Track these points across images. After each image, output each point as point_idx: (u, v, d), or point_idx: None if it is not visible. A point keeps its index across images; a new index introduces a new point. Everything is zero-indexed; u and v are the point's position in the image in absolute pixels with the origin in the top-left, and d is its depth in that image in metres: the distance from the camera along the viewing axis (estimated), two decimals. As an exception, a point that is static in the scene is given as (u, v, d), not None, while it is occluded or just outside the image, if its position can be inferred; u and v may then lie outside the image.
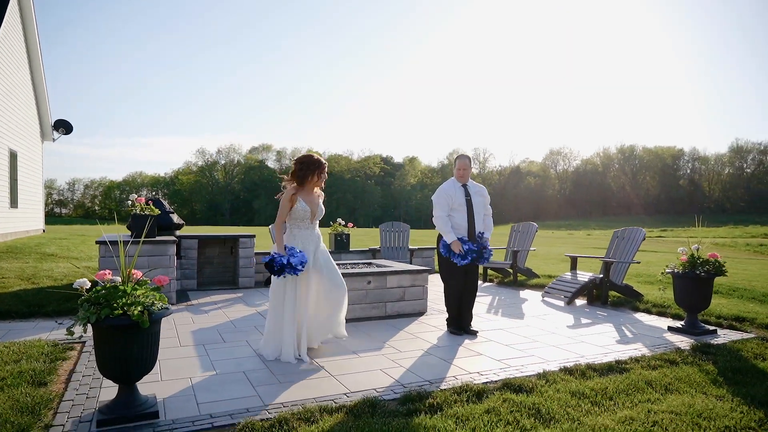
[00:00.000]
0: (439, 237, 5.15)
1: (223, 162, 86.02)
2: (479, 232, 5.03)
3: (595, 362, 4.09)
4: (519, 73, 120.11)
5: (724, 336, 5.08)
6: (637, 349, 4.55)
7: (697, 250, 5.18)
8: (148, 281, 3.12)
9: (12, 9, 13.27)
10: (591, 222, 68.34)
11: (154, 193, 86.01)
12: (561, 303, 6.91)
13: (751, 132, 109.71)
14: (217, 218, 75.42)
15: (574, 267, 7.73)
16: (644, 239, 6.97)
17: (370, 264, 6.94)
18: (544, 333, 5.22)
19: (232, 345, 4.70)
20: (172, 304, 6.69)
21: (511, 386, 3.51)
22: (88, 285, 3.05)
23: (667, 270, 5.31)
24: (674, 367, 3.97)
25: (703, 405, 3.18)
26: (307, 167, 4.39)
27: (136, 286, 3.05)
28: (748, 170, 78.57)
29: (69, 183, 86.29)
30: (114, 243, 6.61)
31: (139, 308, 2.91)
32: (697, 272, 5.00)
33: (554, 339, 4.95)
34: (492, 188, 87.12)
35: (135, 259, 3.34)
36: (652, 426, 2.88)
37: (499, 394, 3.35)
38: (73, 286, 3.05)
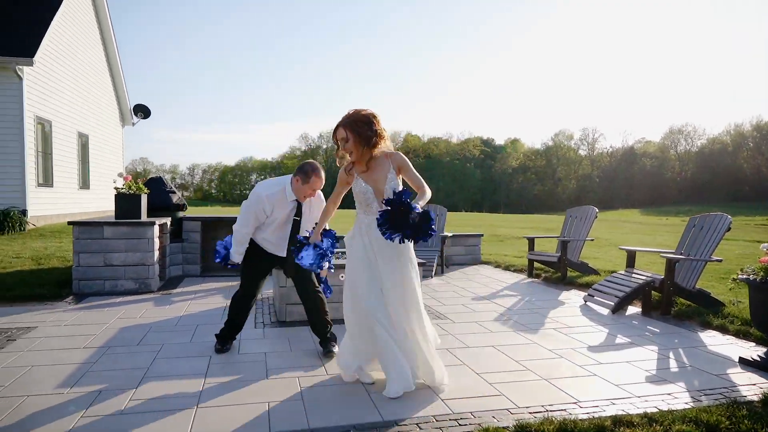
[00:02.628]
0: None
1: (325, 146, 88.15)
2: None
3: (581, 416, 2.68)
4: (634, 44, 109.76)
5: (830, 379, 3.35)
6: (672, 396, 3.03)
7: (789, 247, 3.46)
8: None
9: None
10: (716, 208, 60.41)
11: (262, 177, 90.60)
12: (605, 310, 5.32)
13: None
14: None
15: (631, 264, 6.01)
16: (729, 229, 5.13)
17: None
18: (549, 356, 3.80)
19: (138, 351, 3.87)
20: (150, 292, 6.08)
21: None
22: None
23: (740, 276, 3.64)
24: (708, 438, 2.46)
25: None
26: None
27: None
28: None
29: (189, 168, 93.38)
30: (88, 224, 6.13)
31: None
32: (784, 281, 3.30)
33: (554, 370, 3.52)
34: (601, 171, 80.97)
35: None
36: None
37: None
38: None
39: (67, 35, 13.28)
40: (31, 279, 6.33)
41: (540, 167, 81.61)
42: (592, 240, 7.99)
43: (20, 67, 10.71)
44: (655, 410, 2.78)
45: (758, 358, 3.59)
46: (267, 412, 2.79)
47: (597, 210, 7.32)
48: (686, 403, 2.91)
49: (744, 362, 3.64)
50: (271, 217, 3.75)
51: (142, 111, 18.98)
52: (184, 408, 2.82)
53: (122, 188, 6.46)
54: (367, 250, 3.16)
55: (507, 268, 8.36)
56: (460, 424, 2.62)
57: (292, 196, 3.74)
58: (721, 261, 5.33)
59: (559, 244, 7.27)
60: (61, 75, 13.05)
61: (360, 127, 3.07)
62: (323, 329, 3.81)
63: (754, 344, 4.12)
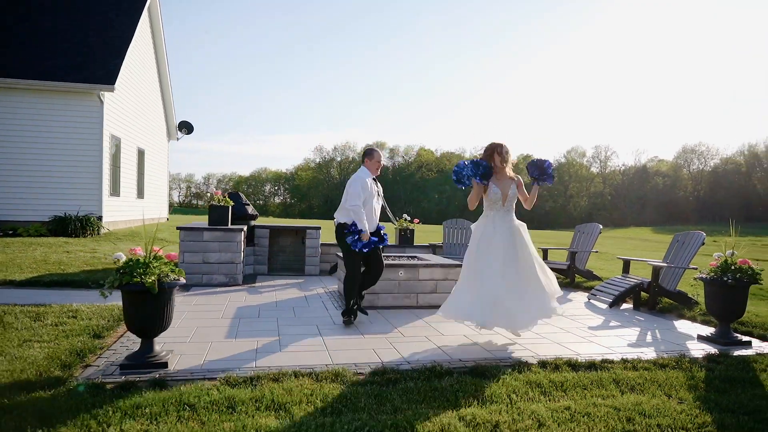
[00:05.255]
0: (339, 227, 5.30)
1: (339, 159, 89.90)
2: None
3: (581, 360, 4.13)
4: (648, 63, 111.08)
5: (758, 349, 4.76)
6: (641, 353, 4.46)
7: (732, 255, 4.89)
8: (163, 257, 3.82)
9: (143, 18, 15.33)
10: (727, 228, 61.42)
11: (276, 188, 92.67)
12: (604, 306, 6.75)
13: None
14: (331, 213, 79.09)
15: (626, 270, 7.44)
16: (703, 244, 6.55)
17: (414, 257, 7.31)
18: (559, 332, 5.25)
19: (263, 320, 5.37)
20: (237, 285, 7.59)
21: (477, 371, 3.74)
22: (124, 258, 3.82)
23: (698, 276, 5.07)
24: (660, 371, 3.90)
25: (654, 404, 3.19)
26: (487, 151, 4.90)
27: (153, 260, 3.76)
28: None
29: (205, 177, 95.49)
30: (192, 229, 7.67)
31: (152, 278, 3.62)
32: (725, 279, 4.73)
33: (564, 338, 4.99)
34: (613, 189, 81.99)
35: (153, 238, 4.05)
36: (582, 416, 2.99)
37: (458, 376, 3.61)
38: (112, 258, 3.85)
39: (134, 58, 15.02)
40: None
41: (551, 185, 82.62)
42: (597, 252, 9.38)
43: (102, 93, 12.43)
44: (629, 358, 4.22)
45: (710, 335, 5.01)
46: (373, 350, 4.26)
47: (601, 226, 8.75)
48: (652, 356, 4.34)
49: (700, 338, 5.06)
50: (369, 195, 5.28)
51: (186, 127, 20.76)
52: (318, 350, 4.30)
53: (213, 201, 8.03)
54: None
55: (524, 275, 9.79)
56: (504, 363, 4.07)
57: (369, 175, 5.36)
58: (696, 269, 6.72)
59: (569, 254, 8.71)
60: (128, 95, 14.77)
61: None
62: (359, 299, 5.41)
63: (712, 327, 5.53)
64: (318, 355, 4.16)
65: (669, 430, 2.86)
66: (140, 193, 16.24)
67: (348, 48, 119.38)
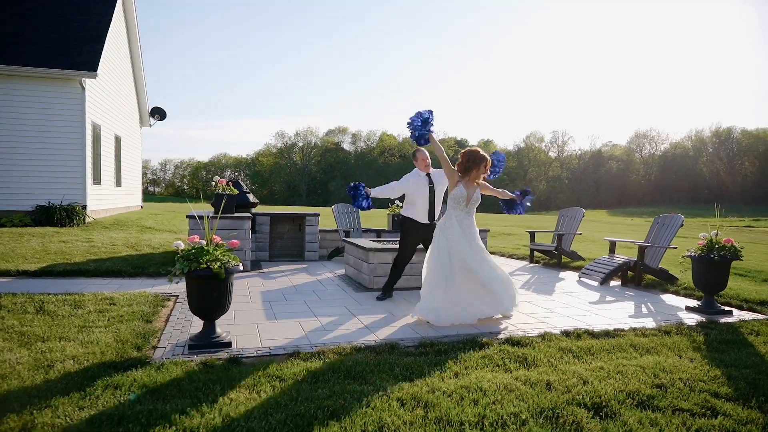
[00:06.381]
0: (402, 219, 5.98)
1: (300, 144, 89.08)
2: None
3: (596, 329, 4.68)
4: (602, 51, 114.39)
5: (738, 316, 5.44)
6: (643, 323, 5.05)
7: (716, 235, 5.53)
8: (225, 244, 4.11)
9: (118, 1, 14.99)
10: (677, 209, 64.39)
11: (236, 174, 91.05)
12: (595, 283, 7.38)
13: None
14: (294, 198, 78.76)
15: (612, 250, 8.11)
16: (682, 225, 7.24)
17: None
18: (564, 306, 5.80)
19: (291, 303, 5.69)
20: (246, 271, 7.84)
21: (512, 341, 4.22)
22: (182, 246, 4.08)
23: (687, 254, 5.69)
24: (665, 336, 4.49)
25: (671, 363, 3.74)
26: (471, 162, 5.07)
27: (215, 247, 4.04)
28: None
29: (161, 163, 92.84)
30: (201, 217, 7.84)
31: (218, 264, 3.90)
32: (712, 256, 5.37)
33: (572, 311, 5.54)
34: (570, 173, 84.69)
35: (215, 228, 4.33)
36: (616, 373, 3.50)
37: (498, 346, 4.07)
38: (172, 245, 4.11)
39: (111, 43, 14.71)
40: (141, 261, 7.99)
41: (512, 168, 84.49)
42: (581, 234, 10.04)
43: (84, 79, 12.22)
44: (636, 327, 4.79)
45: (697, 305, 5.67)
46: (409, 327, 4.68)
47: (584, 210, 9.41)
48: (653, 325, 4.93)
49: (689, 309, 5.71)
50: (414, 191, 5.77)
51: (159, 113, 20.42)
52: (359, 328, 4.68)
53: (218, 189, 8.21)
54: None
55: (511, 257, 10.42)
56: (532, 334, 4.56)
57: (416, 173, 5.91)
58: (676, 248, 7.42)
59: (555, 236, 9.34)
60: (107, 81, 14.50)
61: None
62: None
63: (695, 300, 6.22)
64: (362, 332, 4.54)
65: (689, 381, 3.40)
66: (118, 181, 16.02)
67: (308, 33, 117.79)
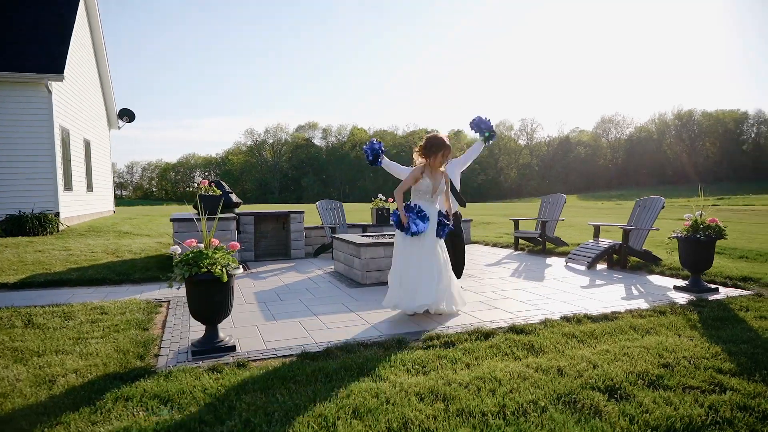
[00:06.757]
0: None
1: (271, 141, 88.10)
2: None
3: (593, 313, 4.77)
4: (566, 38, 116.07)
5: (725, 293, 5.61)
6: (636, 304, 5.17)
7: (701, 216, 5.69)
8: (224, 247, 4.03)
9: (80, 7, 14.52)
10: (645, 192, 66.29)
11: (206, 173, 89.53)
12: (582, 267, 7.52)
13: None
14: (266, 196, 77.96)
15: (597, 235, 8.27)
16: (663, 207, 7.42)
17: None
18: (558, 292, 5.89)
19: (287, 302, 5.63)
20: (236, 272, 7.72)
21: (515, 329, 4.26)
22: (179, 250, 3.99)
23: (673, 235, 5.84)
24: (661, 317, 4.60)
25: (672, 342, 3.84)
26: (434, 146, 4.95)
27: (215, 251, 3.97)
28: (820, 132, 73.74)
29: (128, 166, 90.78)
30: (186, 220, 7.70)
31: (219, 267, 3.83)
32: (698, 236, 5.52)
33: (565, 296, 5.63)
34: (539, 160, 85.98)
35: (213, 230, 4.24)
36: (622, 356, 3.58)
37: (503, 335, 4.11)
38: (169, 251, 4.02)
39: (76, 44, 14.23)
40: (125, 268, 7.79)
41: (483, 157, 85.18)
42: (563, 220, 10.20)
43: (50, 82, 11.80)
44: (632, 309, 4.90)
45: (685, 285, 5.83)
46: (411, 321, 4.68)
47: (566, 196, 9.56)
48: (647, 306, 5.05)
49: (677, 288, 5.86)
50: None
51: (127, 115, 19.89)
52: (360, 325, 4.66)
53: (201, 190, 8.06)
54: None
55: (495, 245, 10.52)
56: (533, 321, 4.62)
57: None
58: (658, 230, 7.61)
59: (539, 224, 9.47)
60: (73, 84, 14.02)
61: None
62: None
63: (681, 279, 6.39)
64: (365, 330, 4.52)
65: (692, 359, 3.50)
66: (90, 186, 15.56)
67: (275, 29, 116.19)
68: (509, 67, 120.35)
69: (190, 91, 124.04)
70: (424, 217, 4.90)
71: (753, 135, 79.31)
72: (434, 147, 4.95)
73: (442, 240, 5.06)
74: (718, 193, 54.97)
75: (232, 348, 3.97)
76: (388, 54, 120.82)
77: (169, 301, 5.69)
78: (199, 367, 3.55)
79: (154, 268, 7.62)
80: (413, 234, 4.84)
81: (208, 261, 3.84)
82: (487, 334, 4.15)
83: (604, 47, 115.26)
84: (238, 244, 4.07)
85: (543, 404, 2.85)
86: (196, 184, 8.19)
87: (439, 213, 5.06)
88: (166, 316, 5.08)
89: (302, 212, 9.45)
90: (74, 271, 7.49)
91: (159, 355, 3.89)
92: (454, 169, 6.23)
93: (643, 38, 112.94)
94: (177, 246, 4.03)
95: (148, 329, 4.57)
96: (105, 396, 3.03)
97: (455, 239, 6.10)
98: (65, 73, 12.00)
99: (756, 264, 7.40)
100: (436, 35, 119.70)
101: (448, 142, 4.99)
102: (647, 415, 2.73)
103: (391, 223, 5.37)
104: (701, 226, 5.61)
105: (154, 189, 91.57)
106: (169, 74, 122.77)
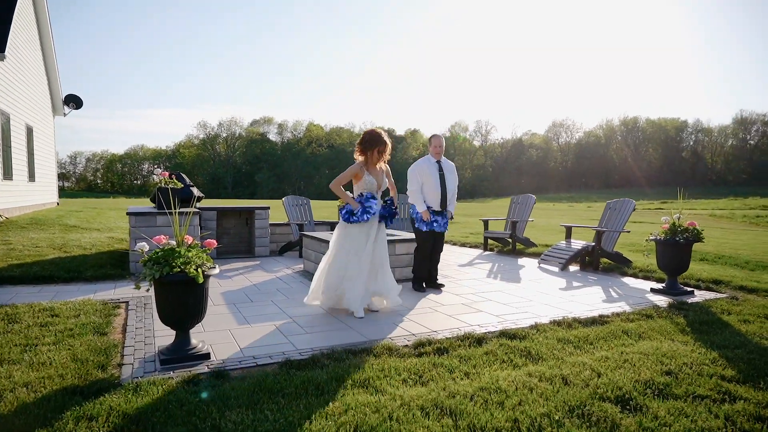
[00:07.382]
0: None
1: (224, 135, 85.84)
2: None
3: (581, 317, 4.67)
4: (520, 43, 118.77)
5: (700, 296, 5.66)
6: (620, 307, 5.12)
7: (678, 219, 5.71)
8: (199, 244, 3.66)
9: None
10: (593, 194, 68.65)
11: (155, 166, 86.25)
12: (556, 269, 7.48)
13: (756, 103, 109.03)
14: (219, 191, 75.82)
15: (568, 236, 8.27)
16: (634, 210, 7.48)
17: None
18: (538, 294, 5.79)
19: (259, 304, 5.28)
20: (198, 271, 7.26)
21: (507, 334, 4.09)
22: (147, 247, 3.59)
23: (651, 237, 5.85)
24: (649, 320, 4.55)
25: (668, 348, 3.76)
26: (371, 141, 4.80)
27: (188, 248, 3.59)
28: (752, 142, 78.45)
29: (71, 156, 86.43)
30: (145, 214, 7.17)
31: (194, 267, 3.46)
32: (677, 239, 5.53)
33: (547, 299, 5.53)
34: (493, 161, 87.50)
35: (186, 225, 3.86)
36: (623, 363, 3.46)
37: (496, 341, 3.93)
38: (135, 248, 3.61)
39: (18, 24, 13.21)
40: (75, 264, 7.18)
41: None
42: (533, 220, 10.21)
43: (-11, 62, 10.85)
44: (618, 312, 4.83)
45: (661, 287, 5.84)
46: (395, 324, 4.44)
47: (535, 197, 9.55)
48: (630, 309, 5.00)
49: (654, 291, 5.87)
50: (424, 176, 5.77)
51: (74, 101, 18.74)
52: (342, 329, 4.38)
53: (161, 183, 7.53)
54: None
55: (464, 245, 10.42)
56: (523, 325, 4.46)
57: (431, 158, 5.95)
58: (629, 232, 7.67)
59: (509, 224, 9.42)
60: (14, 65, 13.01)
61: None
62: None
63: (655, 282, 6.42)
64: (347, 333, 4.24)
65: (694, 366, 3.41)
66: (32, 176, 14.50)
67: (230, 22, 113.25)
68: (465, 68, 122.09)
69: (139, 80, 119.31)
70: (373, 203, 4.87)
71: (691, 143, 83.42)
72: (370, 143, 4.85)
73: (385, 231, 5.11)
74: (660, 197, 57.50)
75: (206, 356, 3.61)
76: (346, 52, 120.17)
77: (128, 302, 5.23)
78: (171, 378, 3.18)
79: (107, 265, 7.06)
80: (369, 217, 4.81)
81: (181, 260, 3.47)
82: (479, 340, 3.95)
83: (556, 51, 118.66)
84: (215, 242, 3.71)
85: (557, 417, 2.67)
86: (155, 176, 7.64)
87: (390, 199, 5.06)
88: (126, 319, 4.63)
89: (268, 208, 9.04)
90: (16, 267, 6.83)
91: (123, 365, 3.48)
92: (452, 167, 6.21)
93: (594, 44, 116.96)
94: (144, 242, 3.62)
95: (107, 334, 4.12)
96: (64, 415, 2.64)
97: (438, 238, 6.07)
98: (6, 53, 11.07)
99: (719, 267, 7.57)
100: (395, 36, 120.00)
101: (385, 138, 4.87)
102: (667, 428, 2.59)
103: (339, 218, 5.11)
104: (679, 229, 5.62)
105: (99, 181, 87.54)
106: (117, 63, 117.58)
